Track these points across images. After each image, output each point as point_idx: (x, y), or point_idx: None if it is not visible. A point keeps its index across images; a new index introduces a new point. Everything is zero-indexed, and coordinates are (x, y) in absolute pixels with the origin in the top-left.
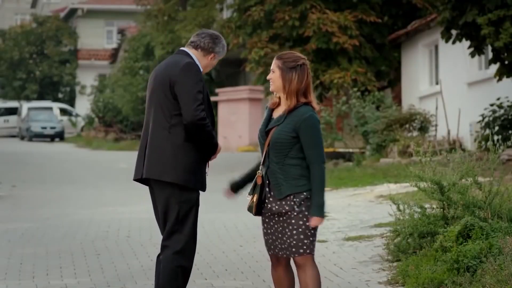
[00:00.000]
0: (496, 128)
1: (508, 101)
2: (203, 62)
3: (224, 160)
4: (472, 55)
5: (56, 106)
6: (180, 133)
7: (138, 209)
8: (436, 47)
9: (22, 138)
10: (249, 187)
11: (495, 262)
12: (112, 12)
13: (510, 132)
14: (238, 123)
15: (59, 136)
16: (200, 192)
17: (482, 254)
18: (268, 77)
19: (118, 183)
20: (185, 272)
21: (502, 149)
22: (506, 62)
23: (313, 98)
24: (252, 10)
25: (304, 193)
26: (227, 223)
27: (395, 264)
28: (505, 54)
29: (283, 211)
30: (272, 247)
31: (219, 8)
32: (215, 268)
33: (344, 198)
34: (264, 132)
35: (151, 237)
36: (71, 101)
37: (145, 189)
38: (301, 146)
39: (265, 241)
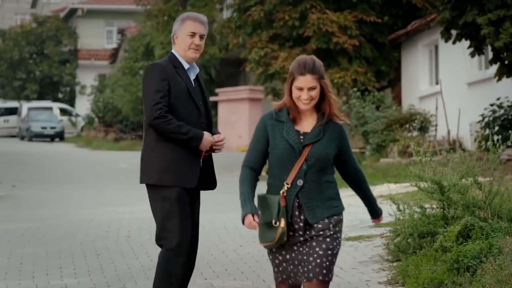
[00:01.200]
0: (496, 128)
1: (508, 101)
2: (179, 50)
3: (224, 160)
4: (472, 55)
5: (56, 106)
6: (152, 134)
7: (138, 209)
8: (436, 47)
9: (22, 138)
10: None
11: (495, 262)
12: (112, 12)
13: (510, 132)
14: (238, 123)
15: (59, 136)
16: (201, 192)
17: (482, 254)
18: (305, 99)
19: (118, 183)
20: (180, 269)
21: (502, 149)
22: (506, 62)
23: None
24: (252, 10)
25: (340, 216)
26: (227, 223)
27: (395, 264)
28: (505, 54)
29: (315, 231)
30: (291, 275)
31: (219, 8)
32: (215, 268)
33: (344, 198)
34: (302, 147)
35: (151, 237)
36: (71, 101)
37: (145, 189)
38: (332, 162)
39: (281, 271)
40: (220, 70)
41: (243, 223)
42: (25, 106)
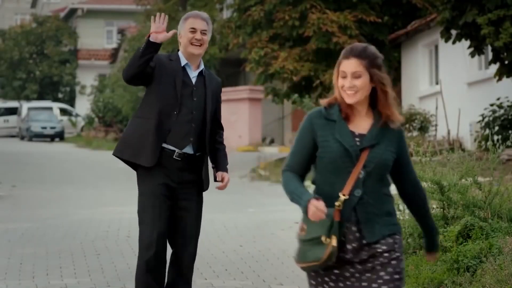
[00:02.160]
0: (496, 128)
1: (508, 101)
2: (182, 49)
3: None
4: (472, 55)
5: (56, 106)
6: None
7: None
8: (436, 47)
9: (22, 138)
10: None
11: (495, 262)
12: (112, 12)
13: (510, 132)
14: (238, 123)
15: (59, 136)
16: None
17: (482, 254)
18: (348, 87)
19: (118, 183)
20: (145, 263)
21: (502, 149)
22: (506, 62)
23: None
24: (252, 10)
25: (401, 235)
26: (227, 223)
27: None
28: (505, 54)
29: (377, 252)
30: None
31: (219, 8)
32: (215, 268)
33: None
34: (359, 151)
35: None
36: (71, 101)
37: None
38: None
39: None
40: (220, 70)
41: (306, 214)
42: (25, 106)
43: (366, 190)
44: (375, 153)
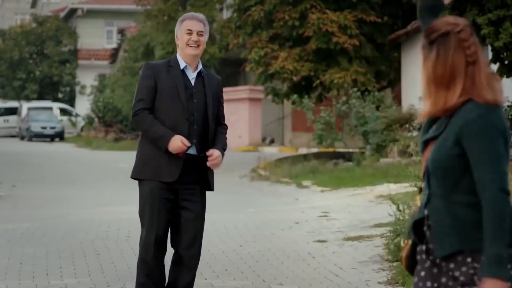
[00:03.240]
0: None
1: (508, 101)
2: (180, 51)
3: (224, 160)
4: None
5: (56, 106)
6: None
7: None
8: None
9: (22, 138)
10: None
11: None
12: (112, 12)
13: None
14: (238, 123)
15: (59, 136)
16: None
17: None
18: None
19: (118, 183)
20: (143, 264)
21: None
22: (506, 62)
23: (485, 85)
24: (252, 10)
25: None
26: (227, 223)
27: (395, 264)
28: (505, 54)
29: (451, 283)
30: None
31: (219, 8)
32: (215, 268)
33: (344, 198)
34: (422, 144)
35: None
36: (71, 101)
37: None
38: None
39: None
40: (220, 70)
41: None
42: (25, 106)
43: (434, 193)
44: (432, 149)
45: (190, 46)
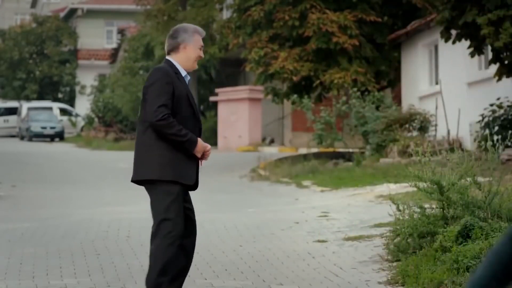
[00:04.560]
0: (496, 128)
1: (508, 101)
2: (179, 59)
3: (225, 160)
4: (472, 55)
5: (56, 106)
6: (152, 134)
7: (138, 209)
8: (436, 47)
9: (22, 138)
10: None
11: None
12: (112, 12)
13: (510, 132)
14: (238, 123)
15: (59, 136)
16: (202, 191)
17: (482, 254)
18: None
19: (118, 183)
20: (175, 258)
21: (502, 149)
22: (506, 62)
23: None
24: (252, 10)
25: None
26: (227, 223)
27: (395, 264)
28: (505, 54)
29: None
30: None
31: (219, 8)
32: (215, 268)
33: (344, 198)
34: None
35: None
36: (71, 101)
37: (145, 189)
38: None
39: None
40: (220, 70)
41: None
42: (25, 106)
43: None
44: None
45: (196, 61)
